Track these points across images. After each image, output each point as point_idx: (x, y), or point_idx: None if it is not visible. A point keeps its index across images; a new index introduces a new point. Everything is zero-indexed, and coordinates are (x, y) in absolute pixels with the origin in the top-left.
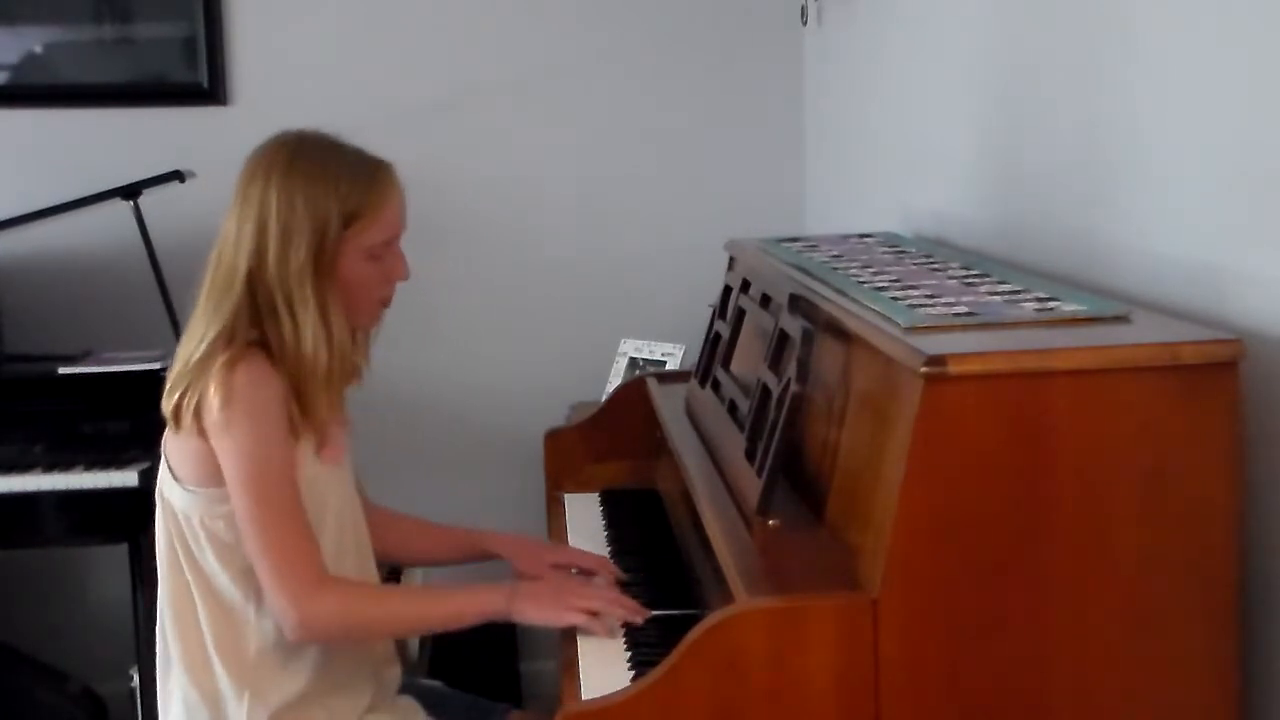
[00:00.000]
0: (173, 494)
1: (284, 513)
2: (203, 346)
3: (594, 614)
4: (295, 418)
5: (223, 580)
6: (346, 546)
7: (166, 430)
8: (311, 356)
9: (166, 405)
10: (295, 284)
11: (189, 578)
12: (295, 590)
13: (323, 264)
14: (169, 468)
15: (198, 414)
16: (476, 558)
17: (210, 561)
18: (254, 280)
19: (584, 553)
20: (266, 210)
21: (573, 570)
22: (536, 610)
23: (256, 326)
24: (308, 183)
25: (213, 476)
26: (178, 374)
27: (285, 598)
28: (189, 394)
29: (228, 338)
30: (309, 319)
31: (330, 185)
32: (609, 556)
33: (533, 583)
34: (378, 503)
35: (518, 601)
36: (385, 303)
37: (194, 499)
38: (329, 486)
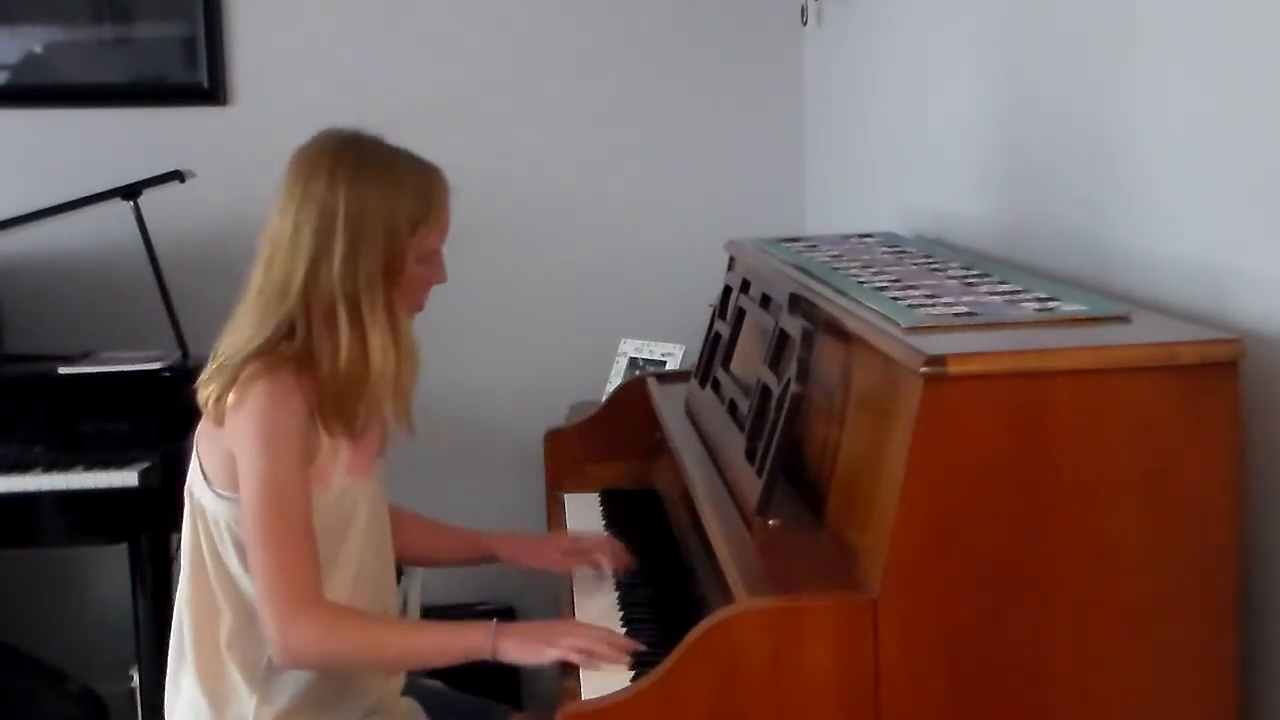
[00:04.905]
0: (203, 495)
1: (288, 534)
2: (244, 351)
3: (582, 651)
4: (335, 428)
5: (246, 583)
6: (368, 562)
7: (200, 425)
8: (380, 364)
9: (201, 396)
10: (364, 290)
11: (212, 577)
12: (281, 611)
13: (393, 270)
14: (200, 467)
15: (223, 410)
16: (482, 560)
17: (235, 564)
18: (310, 286)
19: (586, 537)
20: (333, 212)
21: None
22: (520, 649)
23: (305, 337)
24: (379, 186)
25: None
26: (215, 369)
27: (271, 618)
28: (219, 392)
29: (269, 348)
30: (377, 326)
31: (400, 190)
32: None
33: (519, 623)
34: None
35: (501, 640)
36: (420, 307)
37: (223, 504)
38: (359, 499)
